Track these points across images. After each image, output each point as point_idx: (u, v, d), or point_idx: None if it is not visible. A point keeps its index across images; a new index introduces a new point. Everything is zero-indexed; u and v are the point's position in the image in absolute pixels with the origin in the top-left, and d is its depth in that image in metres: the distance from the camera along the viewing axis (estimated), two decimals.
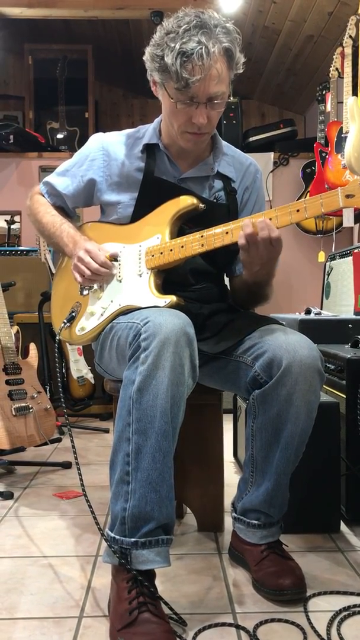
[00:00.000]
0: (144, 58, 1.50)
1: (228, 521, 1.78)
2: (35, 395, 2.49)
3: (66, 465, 2.55)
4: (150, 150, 1.64)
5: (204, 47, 1.39)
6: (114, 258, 1.59)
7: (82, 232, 1.70)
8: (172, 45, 1.41)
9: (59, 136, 4.88)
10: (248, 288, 1.62)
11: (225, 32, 1.44)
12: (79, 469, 1.48)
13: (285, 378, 1.40)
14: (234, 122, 4.21)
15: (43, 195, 1.79)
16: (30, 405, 2.44)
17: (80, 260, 1.57)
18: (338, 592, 1.45)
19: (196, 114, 1.47)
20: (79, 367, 3.43)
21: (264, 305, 1.71)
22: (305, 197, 1.41)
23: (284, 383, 1.40)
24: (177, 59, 1.40)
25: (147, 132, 1.67)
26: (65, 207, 1.78)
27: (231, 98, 1.52)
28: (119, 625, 1.23)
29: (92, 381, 3.47)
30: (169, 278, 1.57)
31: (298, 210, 1.40)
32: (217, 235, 1.48)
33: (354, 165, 2.82)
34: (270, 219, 1.42)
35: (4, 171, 4.48)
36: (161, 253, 1.53)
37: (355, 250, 2.96)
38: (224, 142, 1.71)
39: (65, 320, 1.65)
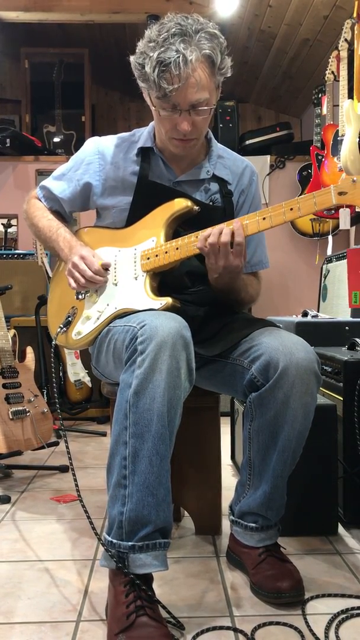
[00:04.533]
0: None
1: (226, 524, 1.77)
2: (32, 399, 2.48)
3: (63, 469, 2.54)
4: (145, 153, 1.64)
5: (181, 56, 1.39)
6: (105, 267, 1.59)
7: (78, 237, 1.70)
8: (151, 54, 1.41)
9: (56, 140, 4.88)
10: (221, 296, 1.61)
11: (208, 37, 1.44)
12: (74, 473, 1.48)
13: (282, 381, 1.40)
14: (230, 125, 4.22)
15: (40, 200, 1.79)
16: (27, 409, 2.44)
17: (75, 266, 1.57)
18: (336, 595, 1.44)
19: (180, 121, 1.48)
20: (76, 371, 3.43)
21: (250, 306, 1.69)
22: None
23: (280, 386, 1.40)
24: (156, 69, 1.41)
25: (142, 135, 1.67)
26: (62, 212, 1.78)
27: (214, 104, 1.52)
28: (117, 629, 1.22)
29: (90, 384, 3.47)
30: (165, 281, 1.57)
31: (292, 209, 1.40)
32: None
33: (350, 168, 2.84)
34: (252, 220, 1.41)
35: (0, 175, 4.48)
36: (156, 256, 1.53)
37: (350, 248, 2.97)
38: (219, 145, 1.71)
39: (61, 325, 1.65)
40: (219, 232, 1.44)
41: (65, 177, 1.74)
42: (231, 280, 1.53)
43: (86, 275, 1.56)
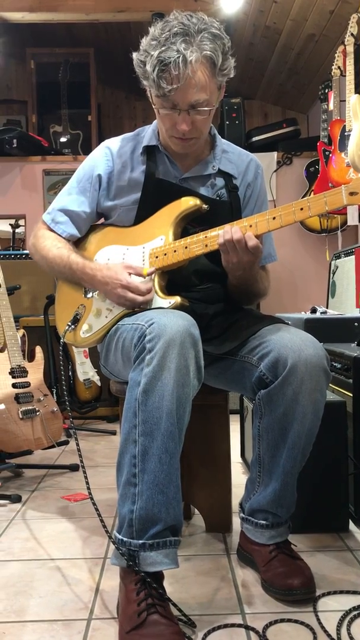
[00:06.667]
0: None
1: (236, 522, 1.77)
2: (42, 398, 2.49)
3: (73, 468, 2.55)
4: (150, 152, 1.64)
5: (181, 57, 1.38)
6: (149, 274, 1.52)
7: (86, 235, 1.70)
8: (152, 53, 1.41)
9: (63, 139, 4.89)
10: (237, 289, 1.62)
11: (210, 38, 1.43)
12: (84, 472, 1.48)
13: (291, 377, 1.39)
14: (237, 122, 4.21)
15: (49, 227, 1.70)
16: (37, 408, 2.45)
17: (123, 298, 1.50)
18: (348, 592, 1.44)
19: (179, 121, 1.48)
20: (85, 370, 3.43)
21: (263, 299, 1.71)
22: (309, 196, 1.40)
23: (289, 382, 1.40)
24: (156, 68, 1.41)
25: (146, 134, 1.67)
26: (76, 232, 1.69)
27: (215, 104, 1.51)
28: (128, 627, 1.22)
29: (99, 383, 3.47)
30: (173, 279, 1.57)
31: (302, 209, 1.39)
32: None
33: (357, 163, 2.82)
34: (261, 220, 1.41)
35: (8, 175, 4.49)
36: (165, 254, 1.53)
37: (358, 247, 2.95)
38: (223, 140, 1.71)
39: (69, 323, 1.65)
40: (231, 231, 1.43)
41: (78, 188, 1.68)
42: (254, 271, 1.54)
43: (138, 302, 1.49)
